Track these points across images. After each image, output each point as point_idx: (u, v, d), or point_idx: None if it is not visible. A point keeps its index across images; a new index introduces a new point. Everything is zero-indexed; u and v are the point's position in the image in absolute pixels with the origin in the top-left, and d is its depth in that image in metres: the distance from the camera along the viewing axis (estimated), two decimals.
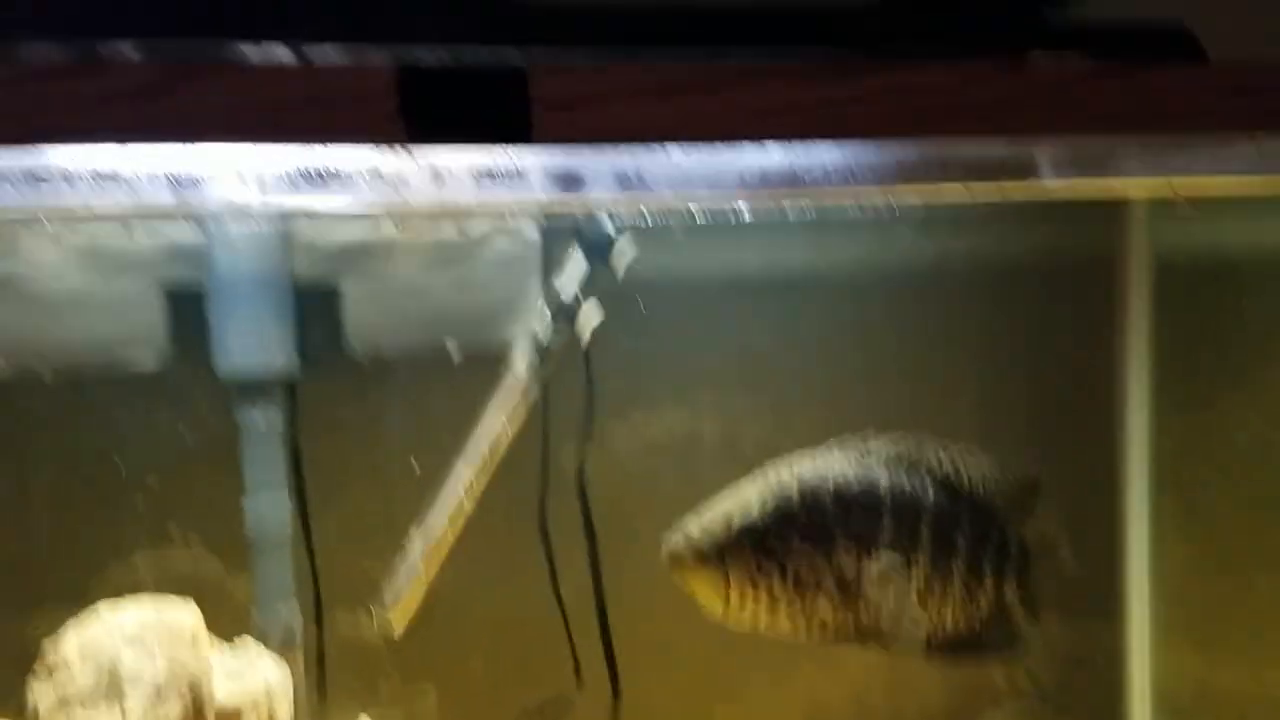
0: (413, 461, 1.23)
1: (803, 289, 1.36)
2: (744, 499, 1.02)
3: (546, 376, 1.21)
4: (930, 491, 1.05)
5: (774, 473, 1.05)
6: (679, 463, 1.31)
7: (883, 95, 0.80)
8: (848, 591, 1.01)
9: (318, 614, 1.23)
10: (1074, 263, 1.41)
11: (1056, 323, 1.42)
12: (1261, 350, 1.37)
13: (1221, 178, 0.92)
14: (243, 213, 1.10)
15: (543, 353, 1.20)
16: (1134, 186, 1.05)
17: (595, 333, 1.21)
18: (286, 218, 1.14)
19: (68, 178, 0.80)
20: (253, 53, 0.74)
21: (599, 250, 1.17)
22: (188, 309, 1.18)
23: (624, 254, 1.18)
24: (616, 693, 1.28)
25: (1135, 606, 1.44)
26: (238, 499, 1.19)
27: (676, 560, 1.01)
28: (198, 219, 1.14)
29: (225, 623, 1.10)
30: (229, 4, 0.79)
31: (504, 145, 0.76)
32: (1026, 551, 1.09)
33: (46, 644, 1.03)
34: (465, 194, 0.85)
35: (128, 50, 0.72)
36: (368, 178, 0.83)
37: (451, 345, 1.23)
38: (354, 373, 1.23)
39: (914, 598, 1.03)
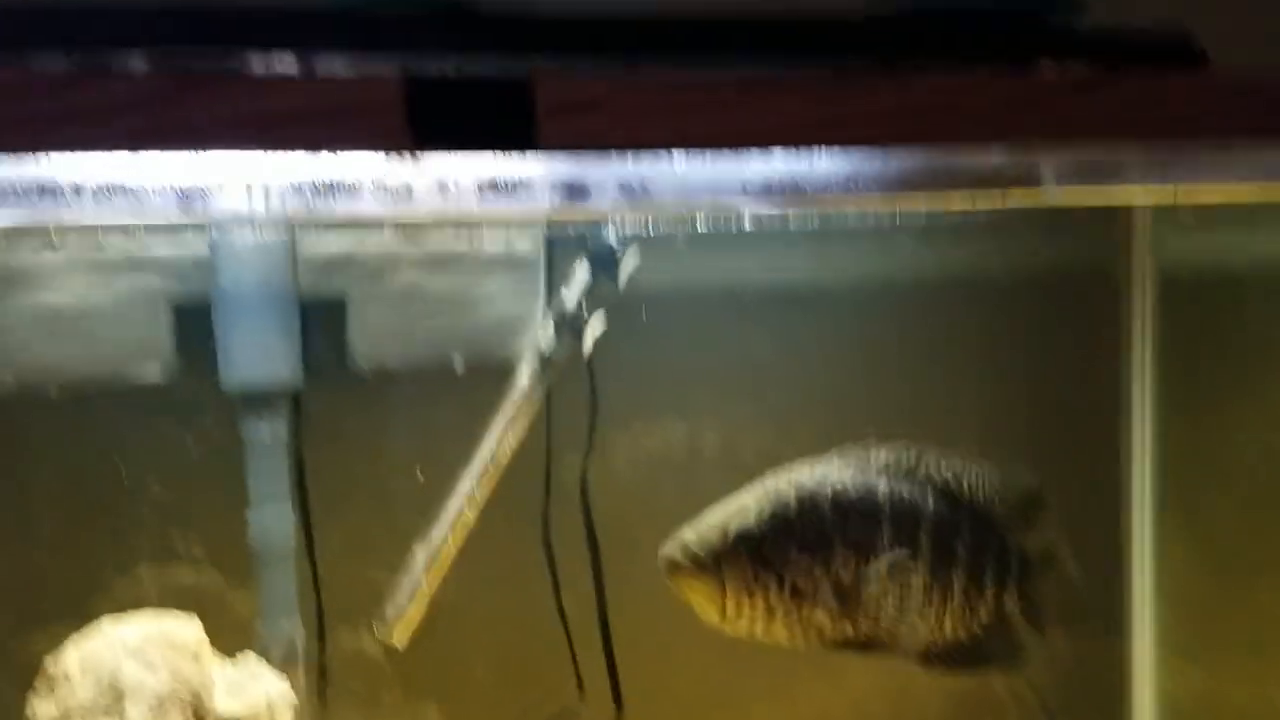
0: (417, 472, 1.23)
1: (807, 300, 1.36)
2: (741, 507, 1.02)
3: (549, 387, 1.21)
4: (930, 500, 1.05)
5: (772, 481, 1.04)
6: (680, 474, 1.31)
7: (885, 103, 0.80)
8: (845, 600, 1.01)
9: (320, 627, 1.23)
10: (1078, 273, 1.41)
11: (1061, 333, 1.42)
12: (1267, 359, 1.37)
13: (1225, 185, 0.92)
14: (249, 223, 1.11)
15: (546, 363, 1.20)
16: (1137, 193, 1.05)
17: (598, 342, 1.21)
18: (292, 229, 1.15)
19: (74, 188, 0.80)
20: (258, 63, 0.75)
21: (602, 261, 1.18)
22: (192, 321, 1.18)
23: (627, 265, 1.18)
24: (619, 705, 1.28)
25: (1139, 618, 1.44)
26: (240, 511, 1.19)
27: (673, 568, 1.00)
28: (204, 230, 1.14)
29: (228, 637, 1.10)
30: (235, 16, 0.80)
31: (508, 152, 0.76)
32: (1028, 562, 1.09)
33: (47, 660, 1.03)
34: (470, 204, 0.85)
35: (135, 61, 0.72)
36: (373, 188, 0.83)
37: (455, 357, 1.24)
38: (358, 384, 1.23)
39: (912, 606, 1.02)
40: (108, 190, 0.80)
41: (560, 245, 1.23)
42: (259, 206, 0.84)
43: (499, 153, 0.77)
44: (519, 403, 1.20)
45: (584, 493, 1.26)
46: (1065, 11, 0.92)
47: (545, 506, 1.27)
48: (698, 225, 1.15)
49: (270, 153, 0.74)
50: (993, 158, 0.85)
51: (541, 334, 1.21)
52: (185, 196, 0.83)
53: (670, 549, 1.01)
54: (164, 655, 1.03)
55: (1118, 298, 1.41)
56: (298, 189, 0.83)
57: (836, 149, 0.83)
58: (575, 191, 0.84)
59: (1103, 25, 0.90)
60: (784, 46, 0.87)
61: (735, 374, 1.34)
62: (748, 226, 1.17)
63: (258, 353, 1.17)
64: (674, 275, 1.28)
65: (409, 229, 1.21)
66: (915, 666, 1.06)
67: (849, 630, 1.01)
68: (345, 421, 1.25)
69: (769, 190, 0.85)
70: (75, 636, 1.04)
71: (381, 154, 0.76)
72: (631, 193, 0.85)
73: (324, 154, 0.75)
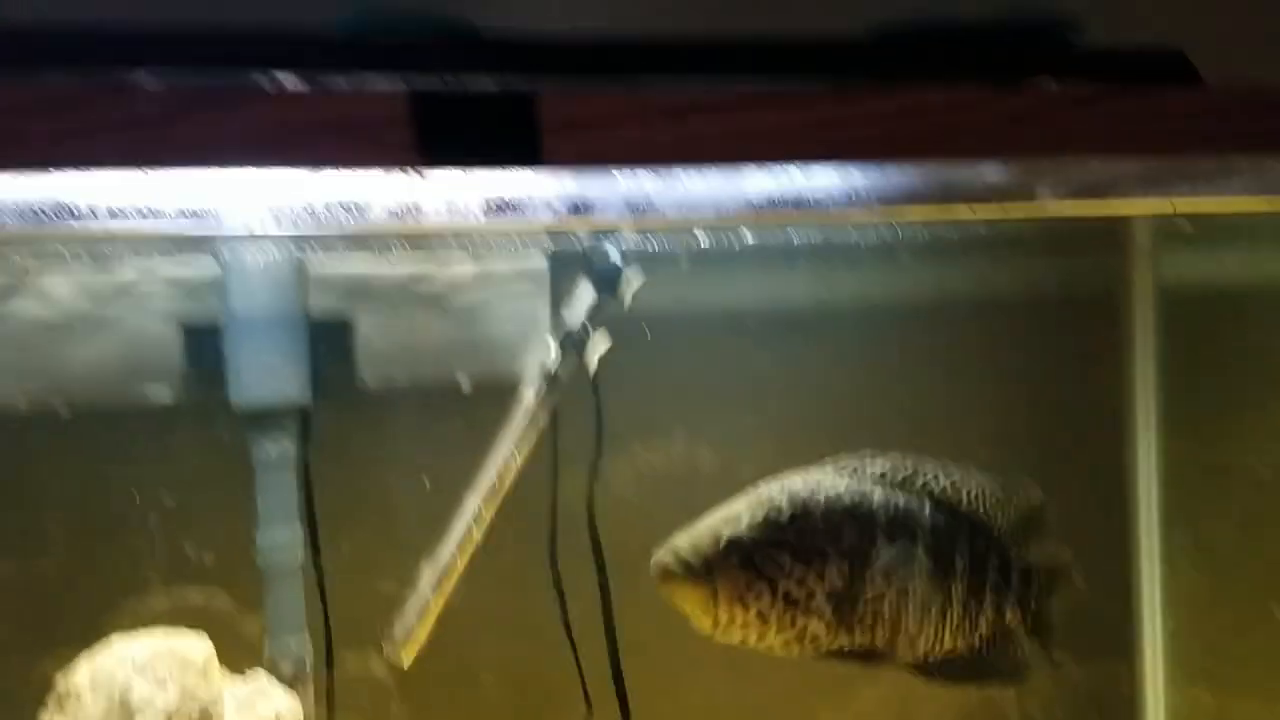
0: (424, 480, 1.23)
1: (808, 321, 1.37)
2: (734, 515, 1.01)
3: (554, 405, 1.21)
4: (927, 510, 1.04)
5: (765, 489, 1.04)
6: (684, 490, 1.32)
7: (883, 119, 0.81)
8: (840, 609, 1.00)
9: (328, 644, 1.23)
10: (1080, 292, 1.42)
11: (1064, 352, 1.42)
12: (1271, 377, 1.37)
13: (1221, 198, 0.92)
14: (258, 242, 1.12)
15: (551, 381, 1.21)
16: (1133, 207, 1.05)
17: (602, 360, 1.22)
18: (300, 248, 1.16)
19: (83, 207, 0.81)
20: (265, 80, 0.76)
21: (606, 279, 1.18)
22: (202, 341, 1.19)
23: (631, 282, 1.19)
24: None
25: (1149, 635, 1.44)
26: (249, 530, 1.20)
27: (665, 575, 0.99)
28: (213, 249, 1.15)
29: (237, 654, 1.10)
30: (243, 34, 0.81)
31: (513, 169, 0.77)
32: (1029, 575, 1.08)
33: (58, 677, 1.03)
34: (476, 222, 0.86)
35: (143, 78, 0.73)
36: (380, 206, 0.84)
37: (461, 376, 1.24)
38: (366, 403, 1.24)
39: (909, 616, 1.01)
40: (117, 210, 0.81)
41: (565, 263, 1.24)
42: (268, 225, 0.86)
43: (504, 169, 0.78)
44: (525, 421, 1.20)
45: (590, 511, 1.26)
46: (1063, 31, 0.93)
47: (553, 527, 1.27)
48: (700, 241, 1.15)
49: (277, 170, 0.75)
50: (989, 173, 0.86)
51: (547, 352, 1.21)
52: (193, 216, 0.84)
53: (662, 556, 1.00)
54: (174, 672, 1.03)
55: (1120, 317, 1.41)
56: (306, 207, 0.84)
57: (838, 165, 0.84)
58: (578, 207, 0.84)
59: (1096, 42, 0.91)
60: (788, 67, 0.88)
61: (737, 393, 1.35)
62: (751, 241, 1.18)
63: (267, 372, 1.17)
64: (678, 293, 1.28)
65: (415, 247, 1.22)
66: (913, 677, 1.05)
67: (845, 640, 1.00)
68: (353, 439, 1.25)
69: (771, 205, 0.86)
70: (86, 653, 1.04)
71: (388, 171, 0.77)
72: (635, 209, 0.86)
73: (331, 171, 0.76)
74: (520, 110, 0.75)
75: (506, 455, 1.19)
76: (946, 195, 0.87)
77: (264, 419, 1.18)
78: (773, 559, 0.99)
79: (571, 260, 1.22)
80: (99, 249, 1.15)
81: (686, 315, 1.32)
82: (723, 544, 0.98)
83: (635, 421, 1.32)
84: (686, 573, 0.98)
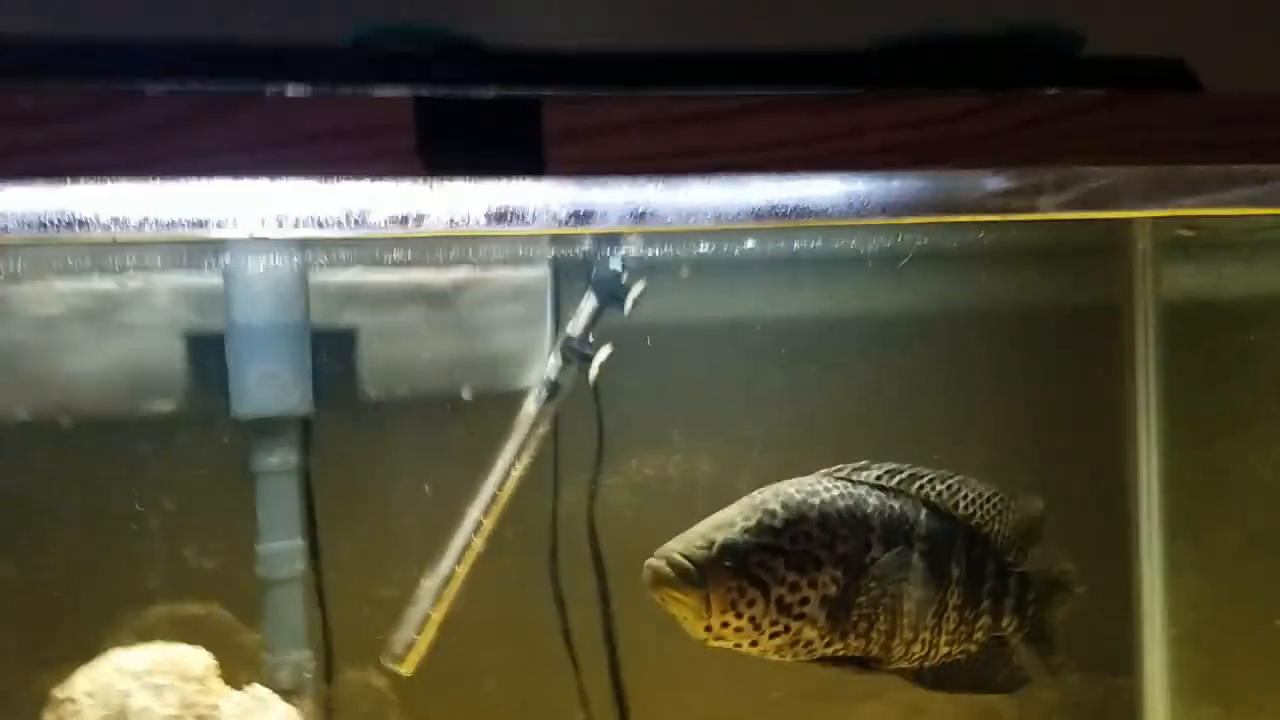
0: (426, 488, 1.23)
1: (808, 333, 1.37)
2: (726, 520, 1.01)
3: (556, 412, 1.21)
4: (922, 517, 1.04)
5: (759, 495, 1.03)
6: (687, 499, 1.32)
7: (884, 129, 0.81)
8: (834, 615, 0.99)
9: (327, 653, 1.23)
10: (1082, 303, 1.42)
11: (1066, 363, 1.42)
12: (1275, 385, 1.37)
13: (1220, 207, 0.93)
14: (260, 250, 1.12)
15: (553, 390, 1.21)
16: (1134, 215, 1.06)
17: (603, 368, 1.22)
18: (304, 256, 1.16)
19: (87, 216, 0.81)
20: (271, 89, 0.76)
21: (609, 288, 1.18)
22: (203, 351, 1.19)
23: (633, 290, 1.19)
24: None
25: (1150, 649, 1.43)
26: (249, 541, 1.20)
27: (657, 581, 0.99)
28: (216, 258, 1.15)
29: (237, 665, 1.10)
30: (249, 45, 0.81)
31: (517, 177, 0.77)
32: (1027, 583, 1.07)
33: (55, 689, 1.03)
34: (478, 230, 0.86)
35: (148, 87, 0.73)
36: (383, 214, 0.84)
37: (464, 385, 1.24)
38: (369, 412, 1.24)
39: (903, 622, 1.01)
40: (121, 219, 0.81)
41: (566, 272, 1.24)
42: (270, 232, 0.86)
43: (507, 178, 0.78)
44: (526, 431, 1.20)
45: (591, 519, 1.26)
46: (1064, 41, 0.93)
47: (553, 535, 1.27)
48: (702, 249, 1.16)
49: (281, 179, 0.76)
50: (990, 181, 0.86)
51: (549, 361, 1.22)
52: (197, 225, 0.84)
53: (655, 561, 0.99)
54: (172, 682, 1.03)
55: (1122, 328, 1.41)
56: (310, 216, 0.84)
57: (839, 173, 0.84)
58: (580, 216, 0.85)
59: (1100, 53, 0.91)
60: (790, 77, 0.88)
61: (738, 403, 1.35)
62: (751, 247, 1.18)
63: (269, 382, 1.17)
64: (680, 302, 1.28)
65: (418, 256, 1.22)
66: (909, 684, 1.04)
67: (839, 646, 1.00)
68: (355, 449, 1.25)
69: (773, 213, 0.86)
70: (84, 665, 1.04)
71: (392, 181, 0.77)
72: (637, 217, 0.86)
73: (335, 180, 0.76)
74: (523, 119, 0.75)
75: (508, 464, 1.20)
76: (948, 204, 0.88)
77: (266, 429, 1.18)
78: (766, 564, 0.98)
79: (573, 268, 1.22)
80: (103, 258, 1.15)
81: (687, 322, 1.32)
82: (715, 549, 0.97)
83: (635, 429, 1.32)
84: (679, 578, 0.97)
